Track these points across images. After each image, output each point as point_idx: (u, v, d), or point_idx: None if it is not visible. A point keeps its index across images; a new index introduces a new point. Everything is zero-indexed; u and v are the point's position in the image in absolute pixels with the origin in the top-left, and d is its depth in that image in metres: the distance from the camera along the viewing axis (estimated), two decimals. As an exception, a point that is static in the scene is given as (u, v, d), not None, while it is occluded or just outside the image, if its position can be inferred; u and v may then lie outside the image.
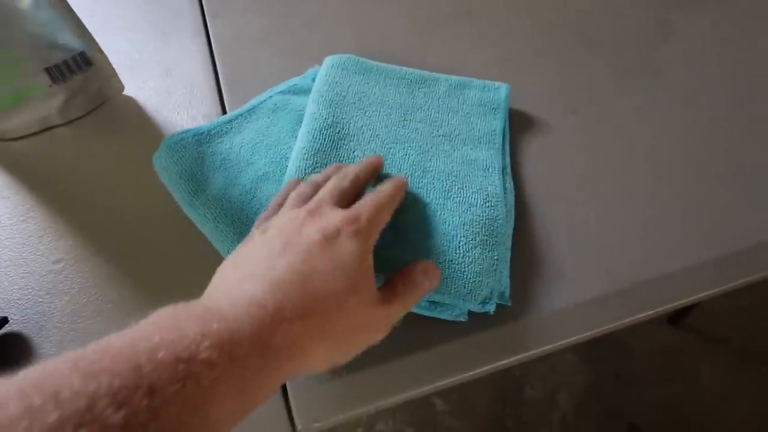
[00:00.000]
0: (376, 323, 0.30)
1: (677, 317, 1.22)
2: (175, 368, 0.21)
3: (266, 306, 0.25)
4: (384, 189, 0.33)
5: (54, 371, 0.20)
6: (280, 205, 0.34)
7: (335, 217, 0.30)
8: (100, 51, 0.46)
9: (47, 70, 0.43)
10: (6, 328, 0.36)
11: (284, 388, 0.34)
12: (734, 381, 1.17)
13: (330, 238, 0.28)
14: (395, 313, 0.30)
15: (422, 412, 1.15)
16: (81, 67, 0.45)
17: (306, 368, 0.27)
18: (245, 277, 0.27)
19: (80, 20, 0.44)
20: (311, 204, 0.31)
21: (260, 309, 0.25)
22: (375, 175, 0.36)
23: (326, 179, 0.34)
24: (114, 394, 0.19)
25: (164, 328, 0.23)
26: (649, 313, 0.37)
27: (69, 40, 0.43)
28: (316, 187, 0.33)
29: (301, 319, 0.25)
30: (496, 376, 1.17)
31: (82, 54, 0.44)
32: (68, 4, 0.42)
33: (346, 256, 0.28)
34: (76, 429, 0.18)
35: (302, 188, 0.34)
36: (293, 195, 0.33)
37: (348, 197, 0.33)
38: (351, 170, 0.34)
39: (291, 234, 0.29)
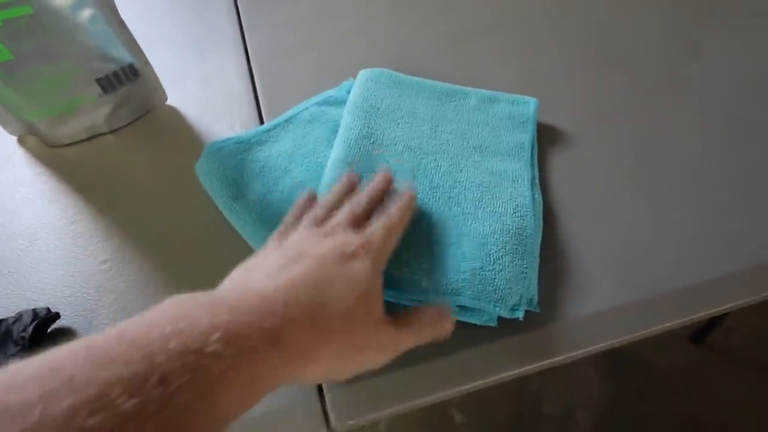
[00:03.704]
0: (382, 343, 0.31)
1: (699, 336, 1.21)
2: (185, 358, 0.21)
3: (276, 303, 0.26)
4: (395, 211, 0.35)
5: (69, 357, 0.21)
6: (296, 219, 0.35)
7: (350, 239, 0.31)
8: (147, 63, 0.49)
9: (99, 80, 0.46)
10: (57, 323, 0.38)
11: (320, 386, 0.35)
12: (756, 400, 1.15)
13: (344, 256, 0.30)
14: (404, 339, 0.31)
15: (440, 424, 1.15)
16: (129, 78, 0.47)
17: (307, 374, 0.27)
18: (258, 278, 0.28)
19: (131, 34, 0.46)
20: (327, 228, 0.33)
21: (271, 305, 0.26)
22: (387, 193, 0.38)
23: (339, 199, 0.36)
24: (127, 382, 0.20)
25: (176, 317, 0.23)
26: (675, 322, 0.38)
27: (120, 52, 0.46)
28: (330, 209, 0.35)
29: (308, 322, 0.26)
30: (515, 390, 1.17)
31: (131, 66, 0.47)
32: (121, 20, 0.45)
33: (359, 273, 0.29)
34: (90, 415, 0.19)
35: (317, 211, 0.35)
36: (309, 216, 0.35)
37: (360, 222, 0.34)
38: (364, 196, 0.36)
39: (307, 247, 0.31)
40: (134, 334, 0.22)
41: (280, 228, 0.36)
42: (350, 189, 0.37)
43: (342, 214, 0.34)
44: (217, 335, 0.23)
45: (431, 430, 1.14)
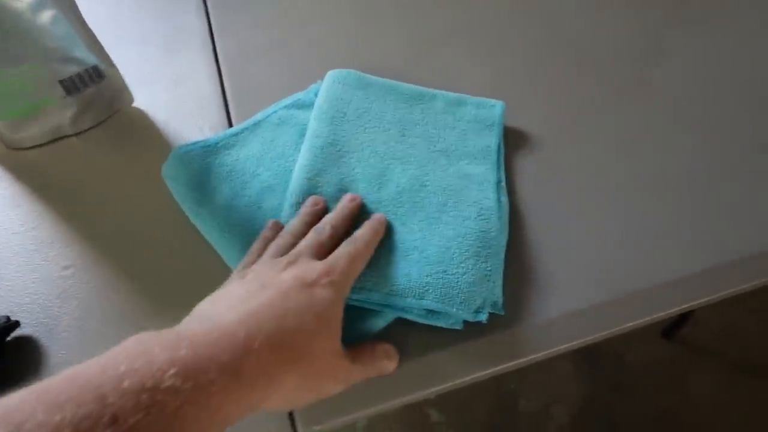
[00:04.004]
0: (339, 373, 0.31)
1: (671, 330, 1.23)
2: (139, 397, 0.21)
3: (237, 335, 0.26)
4: (361, 237, 0.35)
5: (21, 403, 0.21)
6: (260, 253, 0.36)
7: (313, 268, 0.31)
8: (112, 65, 0.48)
9: (62, 82, 0.45)
10: (17, 332, 0.38)
11: (285, 392, 0.35)
12: (729, 393, 1.18)
13: (307, 285, 0.30)
14: (355, 373, 0.32)
15: (417, 423, 1.15)
16: (94, 79, 0.47)
17: (271, 404, 0.28)
18: (219, 311, 0.29)
19: (94, 35, 0.46)
20: (290, 256, 0.33)
21: (231, 337, 0.26)
22: (352, 219, 0.38)
23: (303, 225, 0.36)
24: (77, 424, 0.20)
25: (132, 355, 0.23)
26: (640, 321, 0.38)
27: (83, 54, 0.45)
28: (294, 237, 0.35)
29: (271, 350, 0.27)
30: (492, 388, 1.18)
31: (95, 67, 0.46)
32: (84, 20, 0.44)
33: (320, 301, 0.30)
34: None
35: (282, 240, 0.35)
36: (272, 246, 0.35)
37: (325, 249, 0.34)
38: (327, 222, 0.36)
39: (269, 278, 0.31)
40: (89, 375, 0.22)
41: (245, 259, 0.36)
42: (315, 214, 0.38)
43: (305, 242, 0.34)
44: (173, 370, 0.23)
45: (409, 428, 1.15)
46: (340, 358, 0.31)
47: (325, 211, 0.39)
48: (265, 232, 0.37)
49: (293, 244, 0.35)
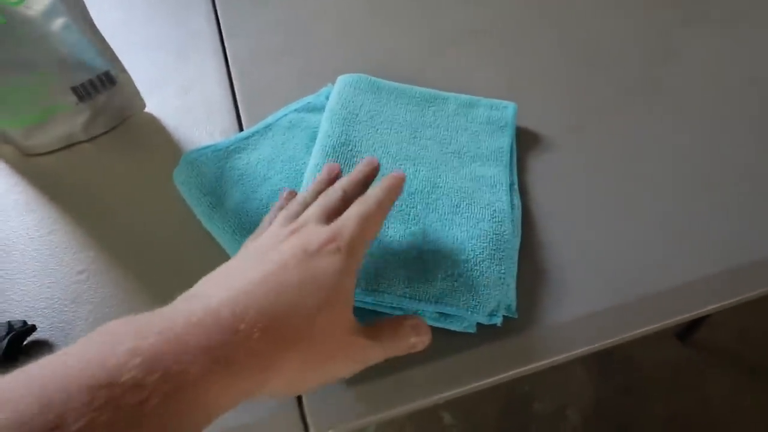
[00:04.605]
0: (349, 352, 0.28)
1: (685, 333, 1.22)
2: (91, 395, 0.19)
3: (222, 315, 0.23)
4: (372, 196, 0.31)
5: None
6: (270, 221, 0.33)
7: (317, 233, 0.28)
8: (124, 70, 0.48)
9: (74, 88, 0.45)
10: (34, 336, 0.38)
11: (298, 395, 0.35)
12: (743, 396, 1.16)
13: (309, 254, 0.27)
14: (373, 352, 0.29)
15: (430, 425, 1.15)
16: (105, 86, 0.47)
17: (268, 390, 0.25)
18: (211, 287, 0.26)
19: (106, 41, 0.46)
20: (296, 223, 0.30)
21: (215, 318, 0.23)
22: (367, 185, 0.35)
23: (316, 193, 0.33)
24: (17, 428, 0.17)
25: (92, 346, 0.21)
26: (653, 326, 0.38)
27: (95, 60, 0.45)
28: (305, 205, 0.33)
29: (264, 331, 0.23)
30: (505, 390, 1.17)
31: (107, 73, 0.46)
32: (95, 27, 0.45)
33: (323, 272, 0.26)
34: None
35: (291, 207, 0.33)
36: (282, 214, 0.33)
37: (336, 213, 0.31)
38: (339, 187, 0.33)
39: (270, 248, 0.28)
40: (37, 372, 0.20)
41: (256, 231, 0.34)
42: (329, 182, 0.35)
43: (314, 208, 0.31)
44: (137, 360, 0.20)
45: (422, 430, 1.14)
46: (353, 335, 0.28)
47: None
48: (279, 203, 0.35)
49: (303, 211, 0.32)
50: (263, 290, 0.25)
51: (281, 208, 0.34)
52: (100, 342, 0.21)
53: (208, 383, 0.22)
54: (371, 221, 0.30)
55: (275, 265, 0.26)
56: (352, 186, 0.33)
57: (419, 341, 0.31)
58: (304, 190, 0.37)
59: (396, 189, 0.32)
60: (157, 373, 0.20)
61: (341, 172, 0.36)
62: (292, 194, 0.36)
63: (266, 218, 0.35)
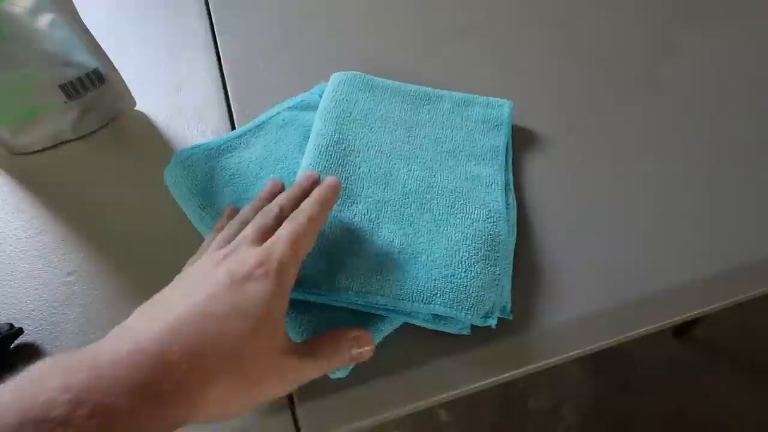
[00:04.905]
0: (280, 374, 0.28)
1: (683, 330, 1.22)
2: (21, 430, 0.19)
3: (149, 350, 0.24)
4: (303, 211, 0.31)
5: None
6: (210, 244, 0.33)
7: (246, 258, 0.28)
8: (113, 68, 0.47)
9: (62, 86, 0.44)
10: (21, 339, 0.37)
11: (291, 398, 0.35)
12: (741, 393, 1.17)
13: (237, 282, 0.27)
14: (307, 371, 0.29)
15: (426, 422, 1.15)
16: (95, 83, 0.46)
17: (200, 418, 0.25)
18: (143, 321, 0.27)
19: (94, 39, 0.45)
20: (230, 247, 0.30)
21: (143, 353, 0.24)
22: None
23: (255, 211, 0.33)
24: None
25: (25, 383, 0.21)
26: (649, 328, 0.37)
27: (83, 58, 0.44)
28: (244, 224, 0.32)
29: (190, 362, 0.24)
30: (501, 388, 1.17)
31: (95, 71, 0.46)
32: (83, 24, 0.44)
33: (251, 299, 0.27)
34: None
35: (230, 227, 0.33)
36: (220, 235, 0.32)
37: (271, 231, 0.31)
38: (275, 204, 0.33)
39: (202, 276, 0.29)
40: None
41: (196, 253, 0.33)
42: (270, 199, 0.34)
43: (248, 229, 0.31)
44: (66, 396, 0.21)
45: (418, 428, 1.14)
46: (284, 357, 0.28)
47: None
48: (219, 222, 0.34)
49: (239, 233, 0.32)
50: (188, 327, 0.25)
51: (221, 229, 0.34)
52: (33, 378, 0.22)
53: (137, 417, 0.22)
54: (302, 239, 0.30)
55: (203, 297, 0.27)
56: (289, 202, 0.33)
57: (361, 353, 0.31)
58: (246, 208, 0.37)
59: (329, 200, 0.33)
60: (85, 409, 0.21)
61: (284, 186, 0.36)
62: (234, 212, 0.36)
63: (207, 239, 0.34)
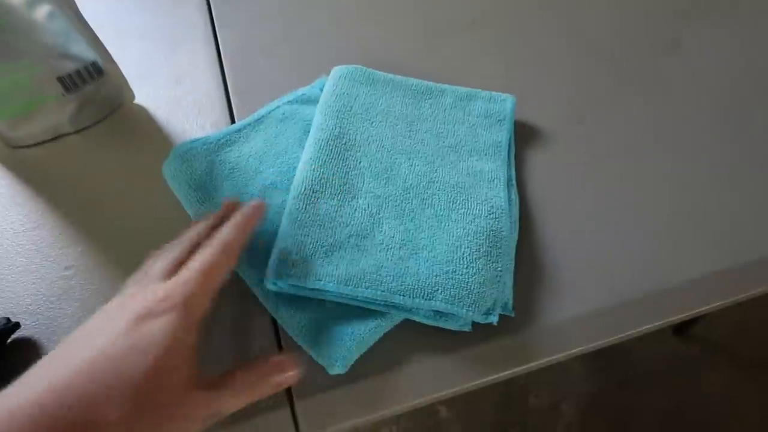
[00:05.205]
0: (190, 410, 0.27)
1: (683, 328, 1.22)
2: None
3: (44, 407, 0.23)
4: (216, 240, 0.31)
5: None
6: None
7: (151, 294, 0.28)
8: (112, 61, 0.47)
9: (60, 79, 0.44)
10: (18, 333, 0.37)
11: (290, 394, 0.35)
12: (740, 391, 1.17)
13: (139, 319, 0.26)
14: (221, 404, 0.28)
15: (426, 418, 1.15)
16: (93, 76, 0.46)
17: None
18: (48, 370, 0.26)
19: (93, 31, 0.45)
20: (141, 282, 0.30)
21: (38, 410, 0.23)
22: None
23: (187, 240, 0.32)
24: None
25: None
26: (651, 326, 0.37)
27: (82, 50, 0.44)
28: (173, 254, 0.31)
29: (84, 418, 0.23)
30: (501, 384, 1.17)
31: (94, 64, 0.45)
32: (81, 16, 0.43)
33: (150, 336, 0.26)
34: None
35: (147, 264, 0.32)
36: (143, 267, 0.32)
37: (182, 263, 0.30)
38: (188, 234, 0.32)
39: (113, 313, 0.28)
40: None
41: (134, 276, 0.32)
42: (209, 228, 0.33)
43: (159, 262, 0.30)
44: None
45: (416, 425, 1.14)
46: (193, 392, 0.27)
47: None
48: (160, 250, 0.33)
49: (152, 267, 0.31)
50: (83, 380, 0.24)
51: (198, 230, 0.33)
52: None
53: None
54: (213, 269, 0.29)
55: (101, 343, 0.26)
56: (205, 230, 0.33)
57: (284, 379, 0.30)
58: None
59: (246, 227, 0.32)
60: None
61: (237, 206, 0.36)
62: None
63: (149, 260, 0.33)
